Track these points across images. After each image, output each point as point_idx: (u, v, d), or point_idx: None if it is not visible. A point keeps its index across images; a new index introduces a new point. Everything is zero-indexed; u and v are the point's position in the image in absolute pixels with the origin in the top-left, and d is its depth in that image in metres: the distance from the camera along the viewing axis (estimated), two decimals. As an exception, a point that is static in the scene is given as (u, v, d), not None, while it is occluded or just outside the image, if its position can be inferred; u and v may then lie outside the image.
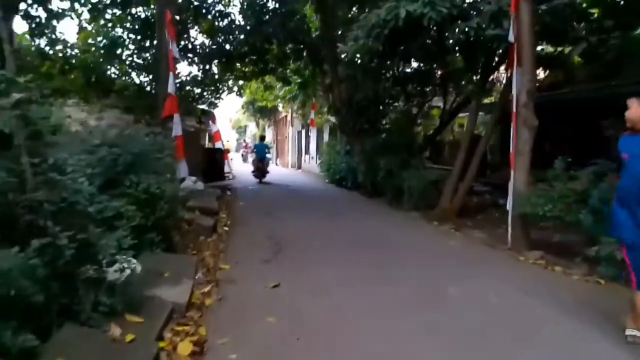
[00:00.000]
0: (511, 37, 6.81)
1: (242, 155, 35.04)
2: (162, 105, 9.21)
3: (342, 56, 14.75)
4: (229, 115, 58.52)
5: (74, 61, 13.10)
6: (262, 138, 22.92)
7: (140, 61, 14.56)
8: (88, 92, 13.64)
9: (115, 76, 14.91)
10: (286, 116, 31.15)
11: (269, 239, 7.05)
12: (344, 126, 15.24)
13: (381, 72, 14.44)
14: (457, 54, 11.07)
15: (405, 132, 14.39)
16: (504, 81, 10.66)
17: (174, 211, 5.85)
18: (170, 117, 9.13)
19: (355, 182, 14.61)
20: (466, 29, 8.34)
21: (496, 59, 9.81)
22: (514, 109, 6.89)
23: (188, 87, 15.63)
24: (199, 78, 15.98)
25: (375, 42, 9.13)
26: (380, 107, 14.36)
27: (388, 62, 13.83)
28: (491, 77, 12.44)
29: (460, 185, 9.93)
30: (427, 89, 14.89)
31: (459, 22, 9.06)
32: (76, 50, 13.51)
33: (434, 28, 9.29)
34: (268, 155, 20.44)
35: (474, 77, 10.44)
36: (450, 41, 10.35)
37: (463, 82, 14.53)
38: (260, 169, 18.62)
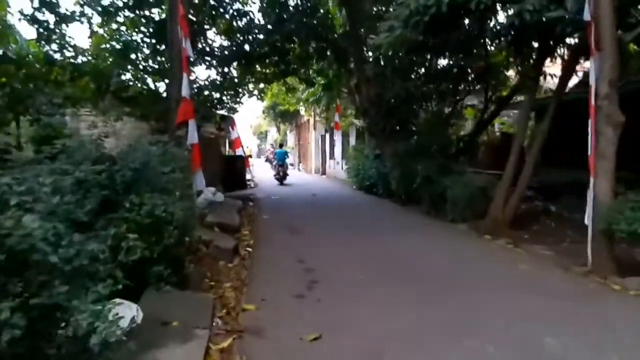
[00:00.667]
0: (587, 16, 5.62)
1: (269, 159, 33.04)
2: (175, 110, 8.26)
3: (371, 53, 13.74)
4: (250, 120, 58.11)
5: (84, 67, 12.29)
6: (282, 145, 25.29)
7: (155, 65, 13.70)
8: (100, 99, 12.90)
9: (131, 82, 14.13)
10: (308, 120, 30.14)
11: (299, 263, 5.97)
12: (372, 128, 14.11)
13: (412, 69, 13.35)
14: (502, 44, 9.84)
15: (441, 133, 13.23)
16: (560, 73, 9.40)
17: (186, 237, 4.83)
18: (184, 124, 8.18)
19: (387, 189, 13.46)
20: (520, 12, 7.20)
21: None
22: (592, 102, 5.70)
23: (206, 92, 14.74)
24: (218, 82, 15.04)
25: (413, 31, 8.03)
26: (413, 107, 13.18)
27: (419, 59, 12.78)
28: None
29: (512, 192, 8.73)
30: (461, 87, 13.75)
31: (509, 5, 7.96)
32: (87, 56, 12.70)
33: (480, 13, 8.14)
34: (287, 160, 22.52)
35: (525, 68, 9.18)
36: (496, 28, 9.30)
37: (505, 75, 13.46)
38: (281, 173, 20.82)
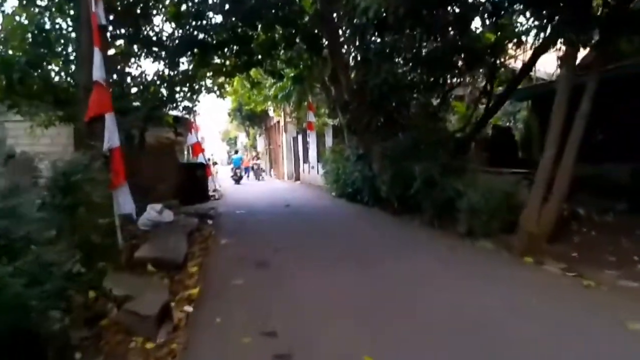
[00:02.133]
0: None
1: (253, 168, 28.42)
2: (85, 102, 5.81)
3: (349, 28, 11.52)
4: (219, 126, 55.66)
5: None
6: (237, 152, 30.45)
7: (85, 56, 11.10)
8: (15, 97, 10.31)
9: (61, 78, 11.52)
10: (278, 122, 27.74)
11: (265, 338, 3.56)
12: (354, 125, 11.85)
13: (399, 52, 11.15)
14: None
15: (436, 128, 11.13)
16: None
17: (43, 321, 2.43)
18: (99, 119, 5.73)
19: (375, 195, 11.20)
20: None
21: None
22: None
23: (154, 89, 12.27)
24: (167, 77, 12.56)
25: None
26: (403, 97, 11.01)
27: (407, 39, 10.65)
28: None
29: (551, 197, 6.60)
30: (455, 73, 11.73)
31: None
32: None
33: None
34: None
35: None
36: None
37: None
38: (238, 174, 24.83)
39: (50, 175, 4.75)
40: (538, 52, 9.55)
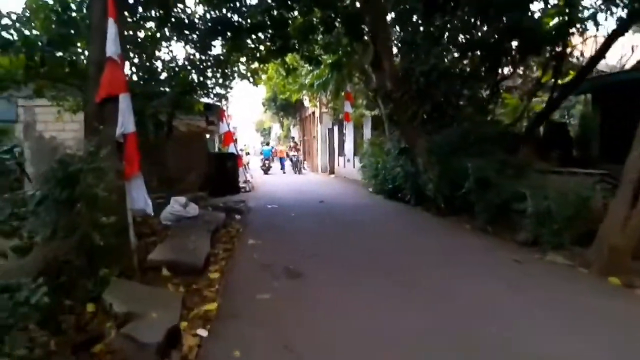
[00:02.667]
0: None
1: (292, 160, 27.21)
2: (95, 80, 5.08)
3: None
4: (253, 117, 55.51)
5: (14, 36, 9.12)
6: (267, 144, 32.23)
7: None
8: (39, 80, 9.80)
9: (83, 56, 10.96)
10: (314, 112, 26.94)
11: None
12: (398, 115, 10.83)
13: (450, 36, 10.11)
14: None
15: (490, 121, 10.07)
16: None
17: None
18: (112, 101, 4.98)
19: (418, 193, 10.21)
20: None
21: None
22: None
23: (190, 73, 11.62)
24: (198, 61, 11.88)
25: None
26: (454, 85, 9.97)
27: (456, 23, 9.61)
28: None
29: (638, 203, 5.50)
30: (508, 60, 10.62)
31: None
32: (16, 23, 9.50)
33: None
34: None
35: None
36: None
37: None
38: (267, 164, 26.17)
39: (51, 166, 4.04)
40: (614, 36, 8.34)
